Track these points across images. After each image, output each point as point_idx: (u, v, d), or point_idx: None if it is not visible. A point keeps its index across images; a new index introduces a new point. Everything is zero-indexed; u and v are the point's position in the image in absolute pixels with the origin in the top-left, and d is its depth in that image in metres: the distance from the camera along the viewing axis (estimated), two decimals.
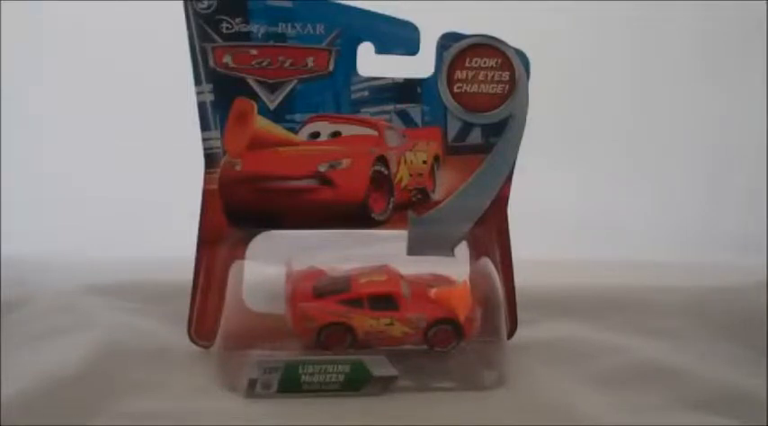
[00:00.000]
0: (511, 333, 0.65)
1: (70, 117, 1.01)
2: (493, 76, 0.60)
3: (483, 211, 0.63)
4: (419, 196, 0.63)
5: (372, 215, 0.61)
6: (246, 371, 0.55)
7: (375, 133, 0.61)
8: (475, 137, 0.62)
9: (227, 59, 0.58)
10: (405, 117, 0.61)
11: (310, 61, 0.59)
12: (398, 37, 0.59)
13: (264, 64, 0.58)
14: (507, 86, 0.61)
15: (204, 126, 0.60)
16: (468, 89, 0.61)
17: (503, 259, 0.64)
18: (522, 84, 0.61)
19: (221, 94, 0.59)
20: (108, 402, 0.53)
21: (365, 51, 0.59)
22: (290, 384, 0.55)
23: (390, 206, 0.62)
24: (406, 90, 0.61)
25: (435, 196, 0.63)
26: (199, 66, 0.58)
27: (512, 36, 0.60)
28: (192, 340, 0.63)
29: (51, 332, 0.63)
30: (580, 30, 1.03)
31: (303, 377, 0.55)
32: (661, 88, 1.08)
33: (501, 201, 0.63)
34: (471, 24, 0.60)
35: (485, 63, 0.60)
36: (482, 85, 0.61)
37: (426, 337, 0.59)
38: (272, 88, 0.59)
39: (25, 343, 0.61)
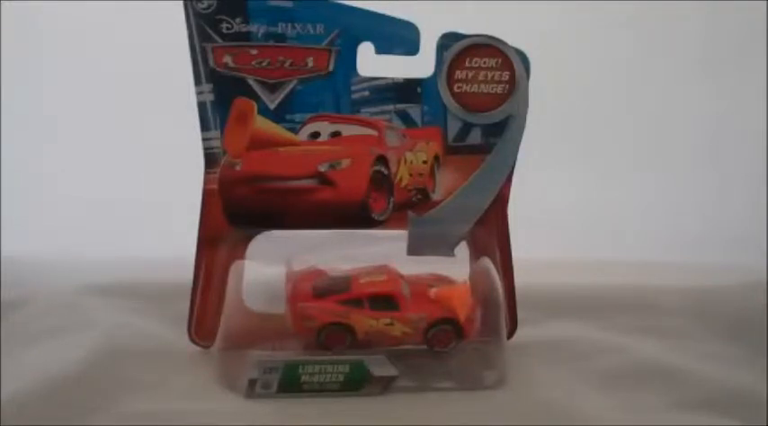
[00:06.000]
0: (511, 333, 0.65)
1: (70, 117, 1.01)
2: (493, 76, 0.60)
3: (483, 211, 0.63)
4: (419, 196, 0.63)
5: (372, 215, 0.61)
6: (246, 371, 0.55)
7: (375, 133, 0.61)
8: (475, 137, 0.62)
9: (227, 59, 0.58)
10: (405, 117, 0.61)
11: (310, 61, 0.59)
12: (398, 37, 0.59)
13: (264, 64, 0.58)
14: (507, 86, 0.61)
15: (204, 126, 0.60)
16: (468, 89, 0.61)
17: (503, 259, 0.64)
18: (522, 84, 0.61)
19: (221, 94, 0.59)
20: (108, 402, 0.53)
21: (365, 51, 0.59)
22: (290, 384, 0.55)
23: (390, 206, 0.62)
24: (406, 90, 0.61)
25: (435, 196, 0.63)
26: (199, 66, 0.58)
27: (512, 36, 0.60)
28: (191, 340, 0.63)
29: (51, 332, 0.63)
30: (580, 30, 1.03)
31: (303, 377, 0.55)
32: (661, 88, 1.08)
33: (501, 201, 0.63)
34: (471, 24, 0.60)
35: (485, 63, 0.60)
36: (482, 85, 0.61)
37: (426, 337, 0.59)
38: (272, 88, 0.59)
39: (25, 343, 0.61)
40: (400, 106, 0.61)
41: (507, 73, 0.60)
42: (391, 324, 0.58)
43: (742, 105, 1.08)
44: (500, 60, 0.60)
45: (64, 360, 0.56)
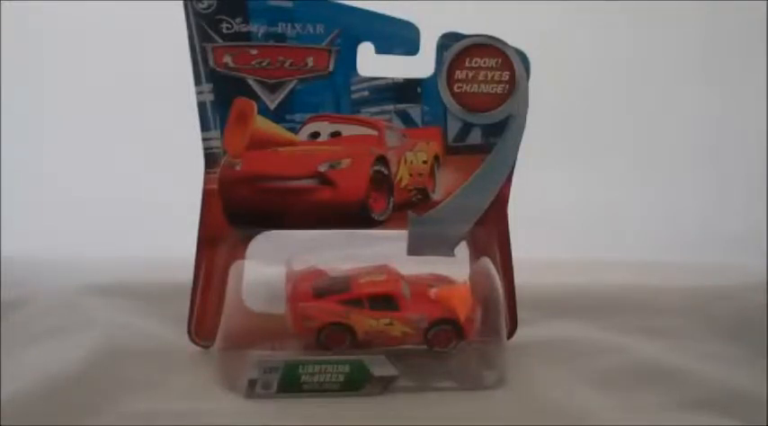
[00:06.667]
0: (511, 333, 0.65)
1: (70, 117, 1.01)
2: (493, 76, 0.60)
3: (483, 211, 0.63)
4: (419, 196, 0.63)
5: (372, 215, 0.61)
6: (246, 371, 0.55)
7: (375, 133, 0.61)
8: (475, 137, 0.62)
9: (227, 59, 0.58)
10: (405, 117, 0.61)
11: (310, 61, 0.59)
12: (398, 37, 0.59)
13: (264, 64, 0.58)
14: (507, 86, 0.61)
15: (204, 126, 0.60)
16: (468, 89, 0.61)
17: (503, 259, 0.64)
18: (522, 84, 0.61)
19: (221, 94, 0.59)
20: (108, 402, 0.53)
21: (365, 51, 0.59)
22: (290, 384, 0.55)
23: (390, 206, 0.62)
24: (406, 90, 0.61)
25: (435, 196, 0.63)
26: (199, 66, 0.58)
27: (512, 36, 0.60)
28: (191, 340, 0.63)
29: (51, 332, 0.63)
30: (580, 30, 1.03)
31: (303, 377, 0.55)
32: (661, 88, 1.08)
33: (501, 201, 0.63)
34: (471, 24, 0.60)
35: (485, 63, 0.60)
36: (482, 85, 0.61)
37: (426, 337, 0.59)
38: (272, 88, 0.59)
39: (25, 343, 0.61)
40: (400, 106, 0.61)
41: (507, 73, 0.60)
42: (391, 324, 0.58)
43: (742, 105, 1.08)
44: (500, 60, 0.60)
45: (64, 360, 0.56)
